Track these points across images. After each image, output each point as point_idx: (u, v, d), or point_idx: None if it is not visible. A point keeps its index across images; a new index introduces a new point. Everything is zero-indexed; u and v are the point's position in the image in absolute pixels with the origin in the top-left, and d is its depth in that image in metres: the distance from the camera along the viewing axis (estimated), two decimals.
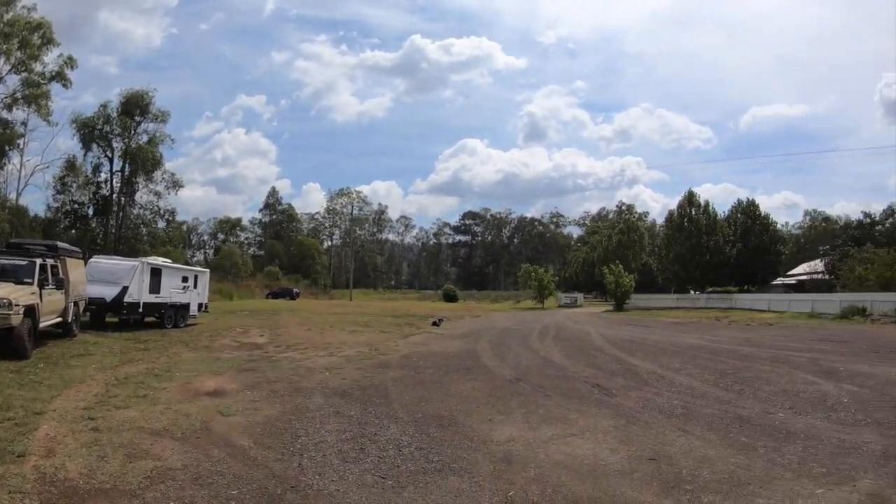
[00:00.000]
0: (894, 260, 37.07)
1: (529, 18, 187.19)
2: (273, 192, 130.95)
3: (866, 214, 62.11)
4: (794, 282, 63.60)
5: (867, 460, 6.69)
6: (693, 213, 65.69)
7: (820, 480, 6.01)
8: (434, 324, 29.22)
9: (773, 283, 64.71)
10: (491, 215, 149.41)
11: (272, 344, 18.78)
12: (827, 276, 52.17)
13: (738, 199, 69.80)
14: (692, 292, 63.67)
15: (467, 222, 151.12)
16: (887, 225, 58.74)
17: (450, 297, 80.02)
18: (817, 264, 63.93)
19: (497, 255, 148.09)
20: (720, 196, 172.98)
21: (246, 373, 12.66)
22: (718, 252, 62.61)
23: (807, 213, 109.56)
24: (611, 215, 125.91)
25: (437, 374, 13.09)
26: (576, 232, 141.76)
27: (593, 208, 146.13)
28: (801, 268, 69.27)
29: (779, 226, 78.13)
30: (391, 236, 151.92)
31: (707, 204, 66.68)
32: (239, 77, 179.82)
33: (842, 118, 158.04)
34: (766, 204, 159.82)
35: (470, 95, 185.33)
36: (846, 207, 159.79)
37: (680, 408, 9.47)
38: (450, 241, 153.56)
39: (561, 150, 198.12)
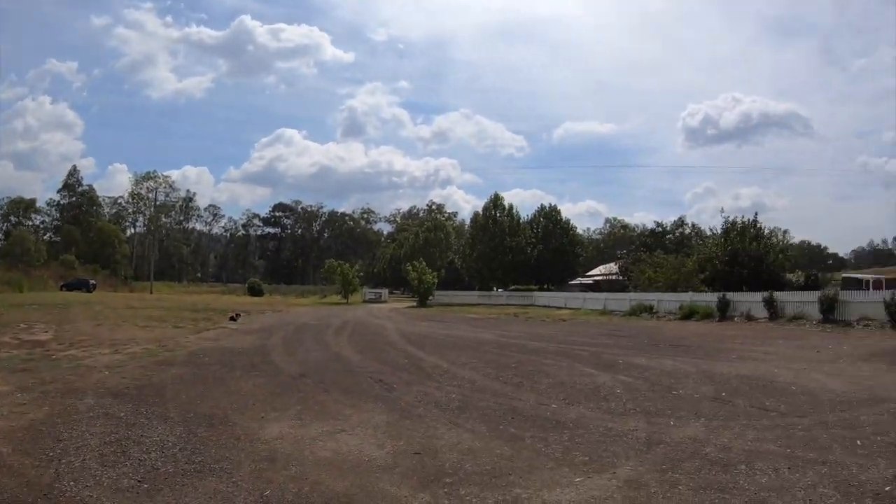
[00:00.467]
0: (681, 264, 40.37)
1: (364, 14, 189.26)
2: (74, 171, 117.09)
3: (658, 224, 67.65)
4: (591, 282, 68.27)
5: (631, 447, 6.87)
6: (498, 214, 68.48)
7: (581, 469, 6.09)
8: (231, 318, 28.67)
9: (572, 282, 68.83)
10: (302, 208, 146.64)
11: (56, 341, 17.55)
12: (621, 278, 56.09)
13: (542, 204, 73.65)
14: (495, 290, 66.11)
15: (277, 214, 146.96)
16: (676, 234, 64.09)
17: (255, 292, 77.72)
18: (612, 266, 69.07)
19: (307, 249, 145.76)
20: (530, 201, 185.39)
21: (20, 373, 11.75)
22: (520, 252, 66.04)
23: (607, 220, 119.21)
24: (421, 214, 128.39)
25: (222, 370, 12.78)
26: (386, 229, 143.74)
27: (406, 206, 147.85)
28: (598, 269, 74.69)
29: (580, 231, 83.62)
30: (199, 226, 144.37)
31: (511, 207, 70.35)
32: (52, 38, 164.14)
33: (647, 139, 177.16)
34: (571, 211, 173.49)
35: (293, 84, 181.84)
36: (644, 217, 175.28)
37: (457, 401, 9.55)
38: (259, 233, 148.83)
39: (378, 147, 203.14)
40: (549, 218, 70.29)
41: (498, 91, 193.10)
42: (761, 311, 27.39)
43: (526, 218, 71.42)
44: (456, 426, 7.88)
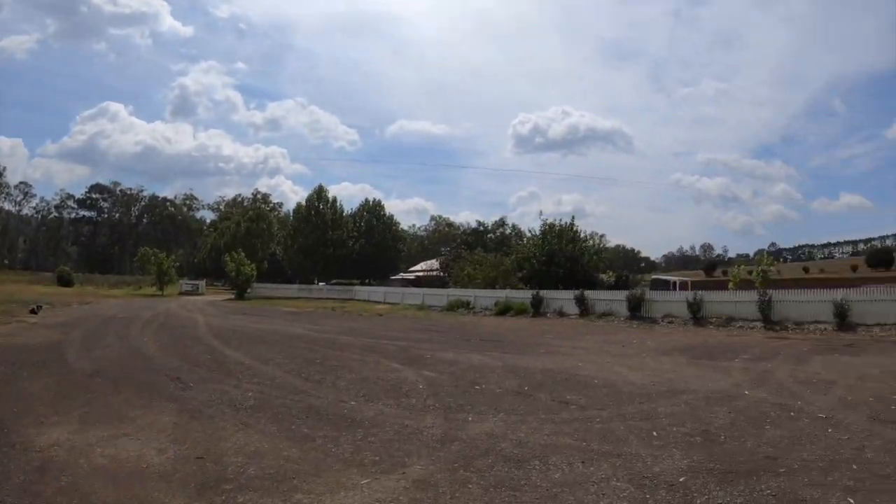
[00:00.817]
0: (499, 263, 41.49)
1: None
2: None
3: (480, 223, 69.61)
4: (413, 277, 68.87)
5: (425, 445, 6.71)
6: (321, 207, 67.33)
7: (370, 470, 5.91)
8: (32, 311, 26.74)
9: (394, 277, 69.17)
10: (121, 190, 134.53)
11: None
12: (441, 274, 56.93)
13: (366, 199, 73.37)
14: (317, 283, 64.97)
15: (94, 196, 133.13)
16: (497, 233, 66.06)
17: (65, 281, 71.12)
18: (433, 263, 70.08)
19: (124, 236, 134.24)
20: (359, 195, 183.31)
21: None
22: (342, 246, 65.18)
23: (433, 218, 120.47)
24: (246, 203, 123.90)
25: (8, 370, 11.82)
26: (210, 217, 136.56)
27: (231, 194, 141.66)
28: (420, 265, 75.54)
29: (406, 227, 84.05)
30: (7, 205, 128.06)
31: (335, 199, 69.30)
32: None
33: (478, 143, 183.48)
34: (399, 207, 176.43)
35: (124, 54, 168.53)
36: (469, 217, 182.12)
37: (253, 400, 9.18)
38: (73, 216, 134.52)
39: (208, 130, 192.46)
40: (372, 213, 70.28)
41: (336, 83, 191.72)
42: (573, 308, 28.65)
43: (350, 212, 70.80)
44: (246, 427, 7.54)
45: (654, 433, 7.14)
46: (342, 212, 69.17)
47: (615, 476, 5.62)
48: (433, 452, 6.41)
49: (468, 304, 34.87)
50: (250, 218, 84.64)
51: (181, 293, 59.42)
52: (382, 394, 9.66)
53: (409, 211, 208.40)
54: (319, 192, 68.79)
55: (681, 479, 5.51)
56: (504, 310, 30.88)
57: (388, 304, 42.80)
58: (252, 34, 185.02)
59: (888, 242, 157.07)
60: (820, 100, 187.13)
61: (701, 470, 5.81)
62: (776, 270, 39.23)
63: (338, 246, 65.08)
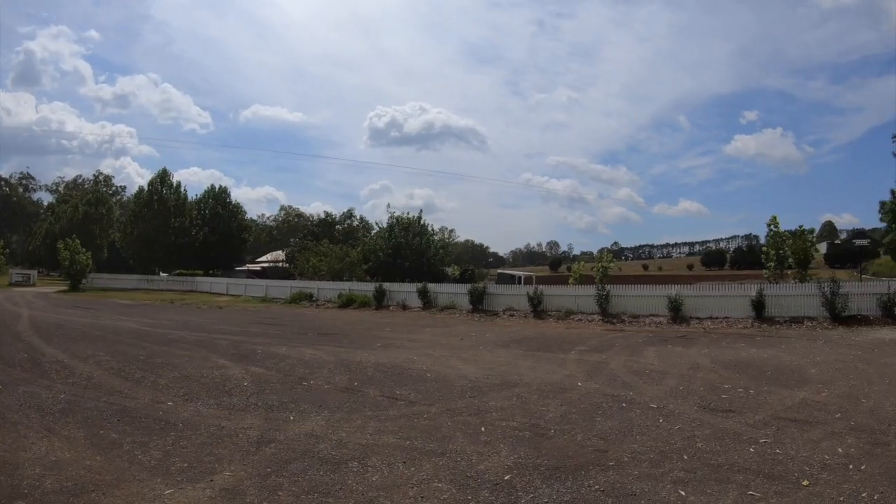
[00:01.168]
0: (345, 254, 41.01)
1: None
2: None
3: (328, 214, 68.25)
4: (259, 268, 66.80)
5: (239, 449, 6.35)
6: (165, 192, 63.41)
7: (176, 478, 5.49)
8: None
9: (239, 268, 66.70)
10: None
11: None
12: (287, 265, 55.65)
13: (212, 185, 70.04)
14: (159, 273, 61.63)
15: None
16: (345, 225, 65.23)
17: None
18: (279, 254, 68.39)
19: None
20: (208, 181, 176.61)
21: None
22: (185, 234, 61.78)
23: (283, 207, 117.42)
24: (87, 185, 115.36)
25: None
26: (48, 199, 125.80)
27: (73, 174, 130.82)
28: (267, 256, 73.55)
29: (255, 216, 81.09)
30: None
31: (179, 185, 65.12)
32: None
33: (334, 133, 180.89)
34: (249, 195, 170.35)
35: None
36: (320, 208, 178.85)
37: (64, 402, 8.46)
38: None
39: (52, 102, 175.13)
40: (218, 199, 66.73)
41: (193, 61, 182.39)
42: (416, 301, 28.79)
43: (195, 198, 67.13)
44: (51, 433, 6.90)
45: (483, 428, 7.09)
46: (186, 198, 65.34)
47: (437, 476, 5.46)
48: (247, 457, 6.05)
49: (311, 296, 34.32)
50: (89, 202, 78.66)
51: (11, 284, 54.69)
52: (204, 393, 9.15)
53: (260, 200, 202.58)
54: (163, 176, 64.34)
55: (506, 478, 5.43)
56: (347, 302, 30.59)
57: (231, 296, 41.32)
58: (108, 1, 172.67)
59: (721, 245, 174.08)
60: (666, 115, 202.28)
61: (528, 466, 5.73)
62: (618, 267, 41.39)
63: (180, 234, 61.59)
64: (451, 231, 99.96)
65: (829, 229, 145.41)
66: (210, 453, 6.14)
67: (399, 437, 6.72)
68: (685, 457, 6.03)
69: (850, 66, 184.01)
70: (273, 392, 9.14)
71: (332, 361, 12.24)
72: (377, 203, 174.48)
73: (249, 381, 10.03)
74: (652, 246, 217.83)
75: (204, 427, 7.13)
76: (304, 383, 9.92)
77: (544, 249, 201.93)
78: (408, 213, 40.75)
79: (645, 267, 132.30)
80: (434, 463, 5.84)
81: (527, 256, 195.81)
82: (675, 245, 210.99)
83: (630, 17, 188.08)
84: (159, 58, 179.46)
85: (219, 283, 47.00)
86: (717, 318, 20.63)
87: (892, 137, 53.01)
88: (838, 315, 18.82)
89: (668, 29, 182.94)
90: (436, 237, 42.14)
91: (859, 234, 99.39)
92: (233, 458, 5.98)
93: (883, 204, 44.91)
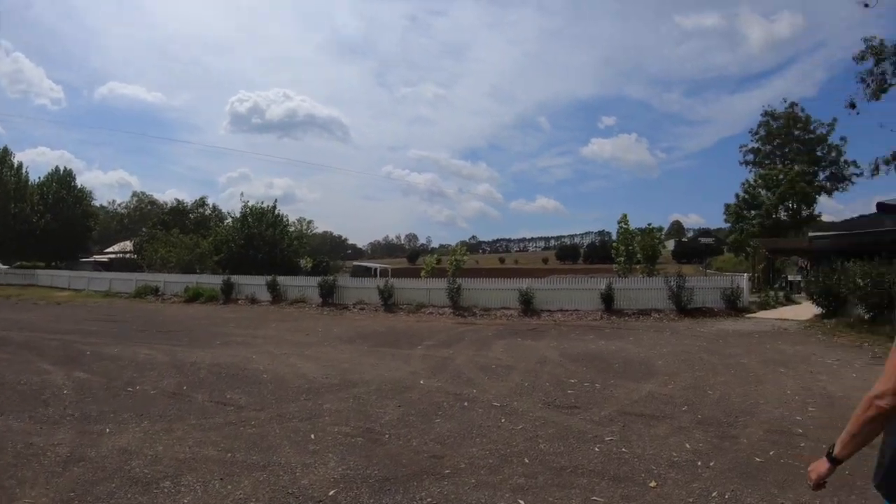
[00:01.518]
0: (195, 245, 39.66)
1: None
2: None
3: (179, 202, 65.18)
4: (106, 260, 63.11)
5: (44, 470, 5.74)
6: (4, 173, 58.12)
7: None
8: None
9: (85, 260, 62.72)
10: None
11: None
12: (135, 256, 53.09)
13: (56, 167, 64.75)
14: None
15: None
16: (198, 213, 62.74)
17: None
18: (127, 244, 64.96)
19: None
20: (57, 162, 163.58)
21: None
22: (26, 221, 56.95)
23: (135, 194, 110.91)
24: None
25: None
26: None
27: None
28: (115, 247, 69.63)
29: (106, 203, 75.95)
30: None
31: (21, 166, 59.76)
32: None
33: (193, 116, 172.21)
34: (100, 179, 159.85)
35: None
36: (176, 194, 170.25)
37: None
38: None
39: None
40: (62, 183, 61.63)
41: (49, 30, 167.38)
42: (265, 295, 28.40)
43: (37, 181, 61.79)
44: None
45: (313, 436, 6.79)
46: (27, 181, 59.76)
47: (255, 495, 5.08)
48: (51, 479, 5.49)
49: (157, 290, 33.07)
50: None
51: None
52: (18, 403, 8.39)
53: (112, 184, 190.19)
54: (3, 156, 58.50)
55: (330, 493, 5.13)
56: (194, 296, 29.70)
57: (73, 290, 38.82)
58: None
59: (576, 240, 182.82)
60: (528, 116, 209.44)
61: (356, 479, 5.47)
62: (475, 260, 42.39)
63: (20, 221, 56.35)
64: (310, 222, 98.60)
65: (677, 228, 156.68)
66: (12, 476, 5.55)
67: (220, 450, 6.32)
68: (526, 460, 5.95)
69: (705, 82, 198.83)
70: (94, 400, 8.61)
71: (165, 362, 11.83)
72: (235, 191, 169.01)
73: (71, 387, 9.44)
74: (509, 240, 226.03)
75: (11, 445, 6.46)
76: (130, 389, 9.43)
77: (403, 242, 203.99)
78: (262, 203, 40.03)
79: (501, 260, 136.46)
80: (254, 479, 5.46)
81: (386, 248, 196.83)
82: (532, 239, 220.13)
83: (502, 19, 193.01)
84: (13, 25, 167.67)
85: (60, 277, 44.07)
86: (567, 310, 21.65)
87: (740, 147, 57.83)
88: (684, 307, 20.36)
89: (539, 33, 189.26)
90: (291, 228, 41.61)
91: (705, 233, 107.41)
92: (36, 481, 5.42)
93: (728, 206, 50.01)
